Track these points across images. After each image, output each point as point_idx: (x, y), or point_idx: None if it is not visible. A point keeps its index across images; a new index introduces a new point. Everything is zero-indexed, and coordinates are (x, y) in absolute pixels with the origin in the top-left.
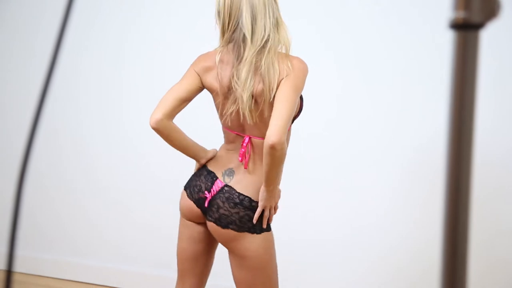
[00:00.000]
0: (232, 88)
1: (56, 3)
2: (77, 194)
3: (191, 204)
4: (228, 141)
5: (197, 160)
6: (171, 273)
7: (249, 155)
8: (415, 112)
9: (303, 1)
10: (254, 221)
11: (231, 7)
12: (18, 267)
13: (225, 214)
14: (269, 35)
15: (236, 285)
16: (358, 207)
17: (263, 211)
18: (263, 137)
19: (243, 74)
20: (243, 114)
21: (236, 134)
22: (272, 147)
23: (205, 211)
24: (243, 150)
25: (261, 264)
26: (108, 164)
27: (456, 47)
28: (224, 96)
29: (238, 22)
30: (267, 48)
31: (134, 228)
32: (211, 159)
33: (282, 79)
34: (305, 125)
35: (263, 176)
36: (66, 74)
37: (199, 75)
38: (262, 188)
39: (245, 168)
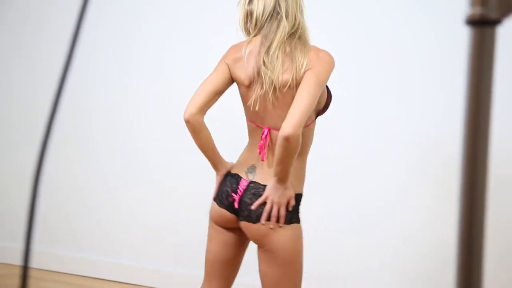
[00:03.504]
0: (256, 76)
1: (60, 4)
2: (85, 194)
3: (223, 211)
4: (250, 135)
5: (216, 169)
6: (176, 269)
7: (268, 147)
8: (429, 105)
9: None
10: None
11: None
12: (32, 262)
13: (254, 209)
14: (299, 23)
15: (262, 282)
16: (369, 196)
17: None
18: None
19: (272, 57)
20: (266, 97)
21: (257, 125)
22: (286, 139)
23: (237, 213)
24: (262, 142)
25: (290, 257)
26: (115, 165)
27: (472, 43)
28: (249, 85)
29: (272, 12)
30: (297, 35)
31: (140, 226)
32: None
33: (309, 69)
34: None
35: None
36: (75, 81)
37: (229, 67)
38: (272, 178)
39: (262, 160)
